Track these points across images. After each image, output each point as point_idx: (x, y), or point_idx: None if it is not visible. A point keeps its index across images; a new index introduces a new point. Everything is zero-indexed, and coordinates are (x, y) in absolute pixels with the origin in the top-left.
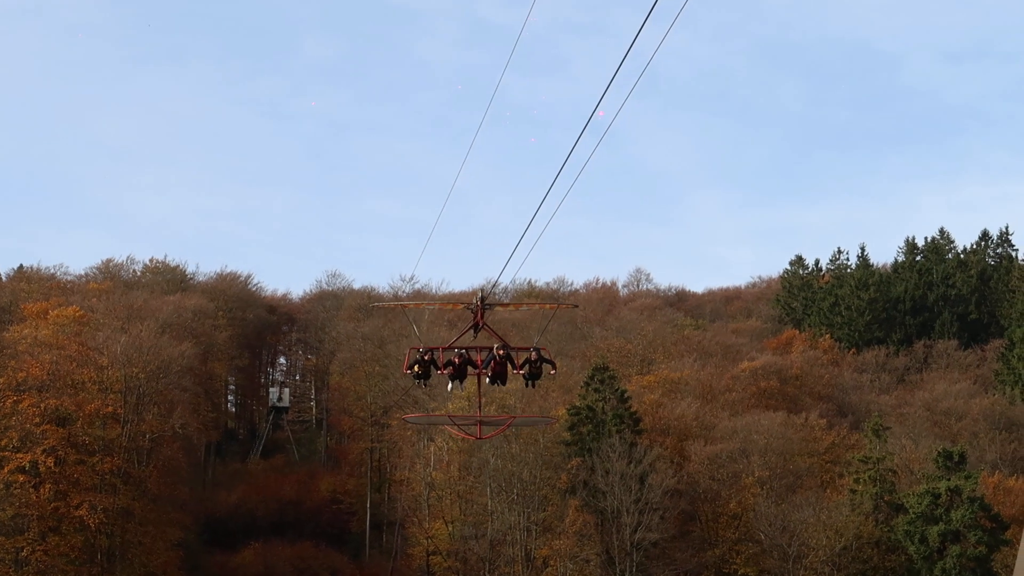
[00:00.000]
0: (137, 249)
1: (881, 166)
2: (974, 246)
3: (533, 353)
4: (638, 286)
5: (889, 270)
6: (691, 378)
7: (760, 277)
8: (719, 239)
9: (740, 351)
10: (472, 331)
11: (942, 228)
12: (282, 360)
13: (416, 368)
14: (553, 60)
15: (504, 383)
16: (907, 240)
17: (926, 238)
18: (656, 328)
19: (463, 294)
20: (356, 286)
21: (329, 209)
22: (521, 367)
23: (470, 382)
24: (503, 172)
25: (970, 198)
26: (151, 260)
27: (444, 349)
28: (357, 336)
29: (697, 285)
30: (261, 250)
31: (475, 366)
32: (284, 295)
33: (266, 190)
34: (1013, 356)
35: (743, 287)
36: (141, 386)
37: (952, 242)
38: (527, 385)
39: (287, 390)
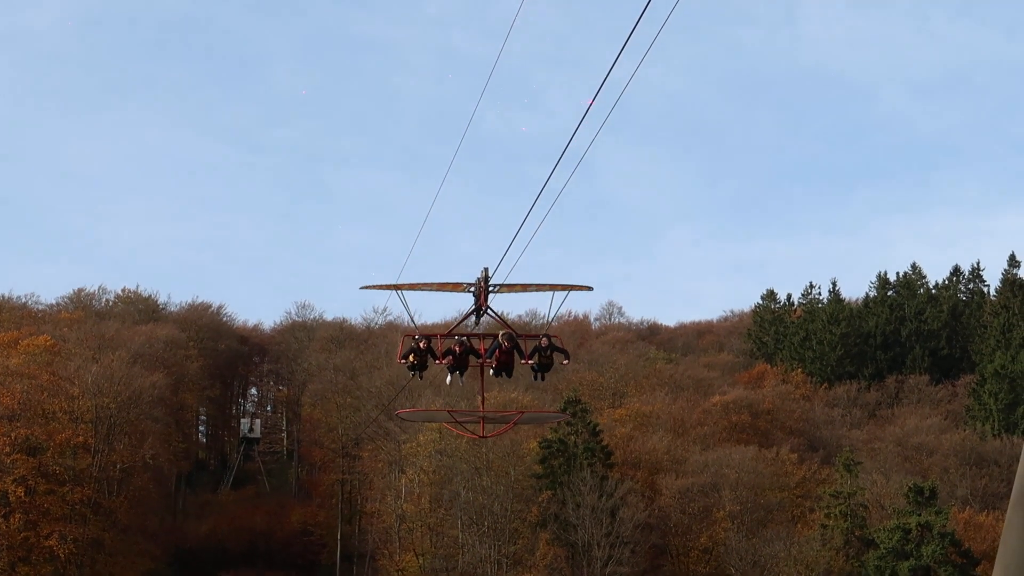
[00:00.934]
0: (109, 279)
1: (853, 199)
2: (946, 281)
3: (543, 340)
4: (610, 319)
5: (860, 305)
6: (663, 412)
7: (732, 311)
8: (691, 272)
9: (712, 385)
10: (474, 317)
11: (914, 263)
12: (253, 391)
13: (411, 358)
14: (527, 92)
15: (510, 375)
16: (879, 275)
17: (898, 273)
18: (628, 361)
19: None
20: (328, 317)
21: (301, 239)
22: (530, 356)
23: (471, 375)
24: (476, 203)
25: (942, 232)
26: (123, 290)
27: (443, 337)
28: (329, 367)
29: (669, 319)
30: (232, 280)
31: (478, 355)
32: (255, 326)
33: (237, 220)
34: (984, 391)
35: (715, 321)
36: (112, 416)
37: (924, 277)
38: (535, 378)
39: (258, 421)
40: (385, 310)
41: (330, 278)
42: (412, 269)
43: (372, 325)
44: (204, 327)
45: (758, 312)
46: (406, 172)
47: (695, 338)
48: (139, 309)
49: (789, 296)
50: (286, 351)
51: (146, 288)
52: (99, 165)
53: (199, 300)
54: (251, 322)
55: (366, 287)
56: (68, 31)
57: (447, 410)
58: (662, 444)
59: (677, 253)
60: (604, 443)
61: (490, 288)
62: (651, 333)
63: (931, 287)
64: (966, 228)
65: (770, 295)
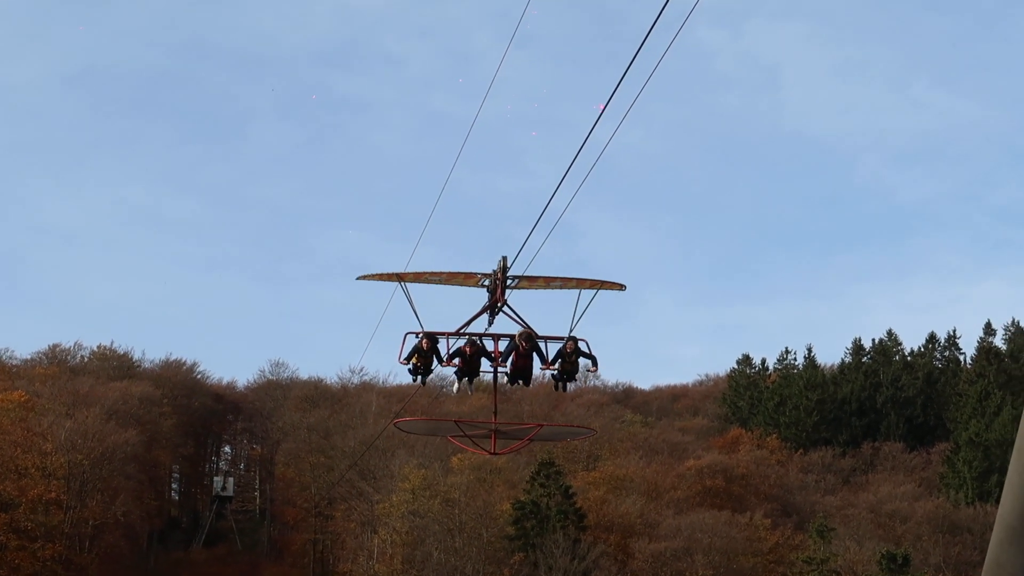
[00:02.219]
0: (85, 335)
1: (830, 265)
2: (921, 348)
3: (569, 344)
4: (585, 382)
5: (836, 371)
6: (636, 475)
7: (707, 375)
8: (667, 336)
9: (686, 449)
10: (487, 314)
11: (890, 330)
12: (227, 449)
13: (415, 360)
14: (507, 153)
15: (528, 383)
16: (854, 341)
17: (873, 339)
18: (603, 424)
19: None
20: (303, 376)
21: (277, 298)
22: (552, 362)
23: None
24: (455, 264)
25: (918, 299)
26: (98, 346)
27: (451, 336)
28: (303, 427)
29: (644, 382)
30: (208, 337)
31: (491, 359)
32: (230, 383)
33: (214, 277)
34: (959, 459)
35: (690, 385)
36: (85, 472)
37: (899, 344)
38: (557, 387)
39: (231, 479)
40: (361, 369)
41: (306, 337)
42: (387, 329)
43: (347, 384)
44: (179, 384)
45: (733, 377)
46: (385, 232)
47: (670, 402)
48: (114, 366)
49: (764, 361)
50: (260, 409)
51: (121, 344)
52: (77, 220)
53: (174, 357)
54: (226, 380)
55: (364, 277)
56: (49, 86)
57: (453, 420)
58: (635, 508)
59: (654, 316)
60: (577, 506)
61: (508, 281)
62: (626, 396)
63: (907, 354)
64: (943, 296)
65: (745, 360)
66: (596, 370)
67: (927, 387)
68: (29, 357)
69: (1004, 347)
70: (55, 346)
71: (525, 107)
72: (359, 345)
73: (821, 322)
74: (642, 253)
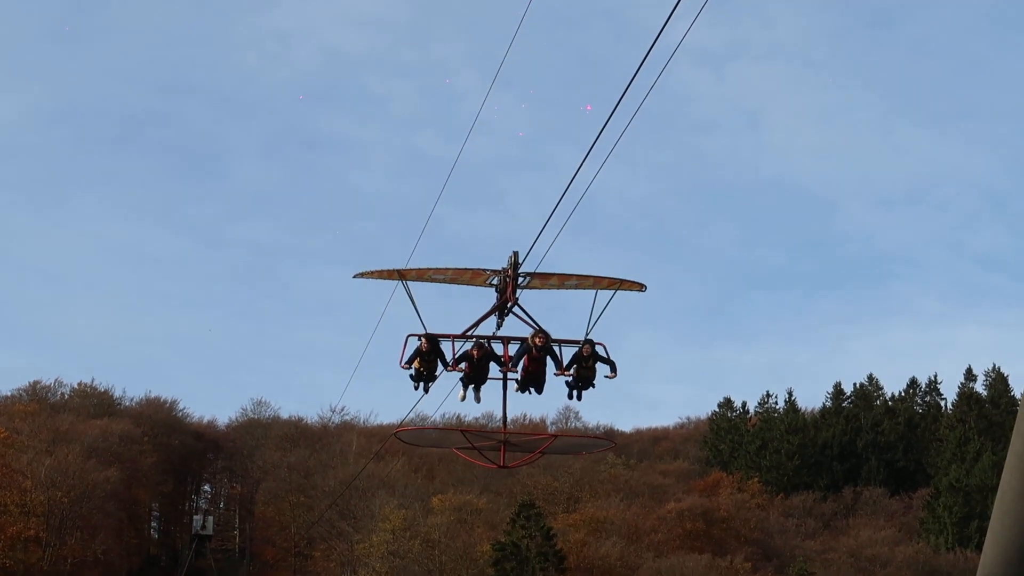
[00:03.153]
0: (65, 372)
1: (812, 309)
2: (902, 393)
3: (585, 347)
4: (567, 423)
5: (817, 415)
6: (617, 517)
7: (688, 418)
8: (649, 378)
9: (667, 492)
10: (496, 316)
11: (871, 375)
12: (207, 487)
13: (417, 363)
14: (490, 193)
15: (540, 390)
16: (835, 386)
17: (854, 384)
18: (583, 466)
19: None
20: (283, 414)
21: (258, 336)
22: (567, 367)
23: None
24: (435, 305)
25: (899, 344)
26: (79, 384)
27: (456, 338)
28: (283, 466)
29: (625, 424)
30: (188, 375)
31: (501, 363)
32: (210, 422)
33: (195, 315)
34: (939, 504)
35: (671, 427)
36: (64, 510)
37: (880, 388)
38: (570, 396)
39: (211, 518)
40: (343, 409)
41: (287, 375)
42: (369, 369)
43: (328, 423)
44: (159, 422)
45: (714, 420)
46: (366, 269)
47: (651, 444)
48: (94, 403)
49: (745, 404)
50: (241, 448)
51: (102, 382)
52: (57, 257)
53: (154, 395)
54: (206, 418)
55: (362, 274)
56: (32, 123)
57: (460, 429)
58: (616, 550)
59: (635, 358)
60: (558, 548)
61: (519, 279)
62: (607, 438)
63: (888, 399)
64: (923, 341)
65: (727, 403)
66: (615, 376)
67: (908, 432)
68: (9, 394)
69: (984, 393)
70: (35, 383)
71: (508, 147)
72: (340, 384)
73: (802, 366)
74: (622, 295)
